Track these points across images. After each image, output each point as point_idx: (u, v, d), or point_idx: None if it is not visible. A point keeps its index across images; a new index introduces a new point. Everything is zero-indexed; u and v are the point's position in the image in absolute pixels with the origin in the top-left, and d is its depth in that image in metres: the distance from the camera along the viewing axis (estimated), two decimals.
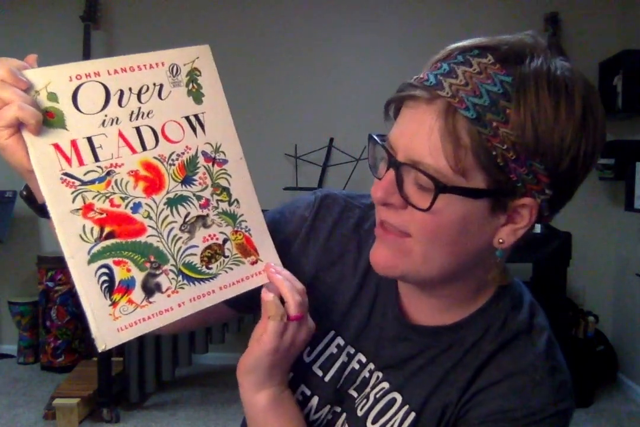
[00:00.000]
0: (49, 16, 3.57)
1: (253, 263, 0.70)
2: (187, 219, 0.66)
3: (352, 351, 0.76)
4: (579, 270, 3.15)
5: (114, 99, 0.63)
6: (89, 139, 0.61)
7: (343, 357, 0.76)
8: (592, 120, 0.59)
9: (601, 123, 0.60)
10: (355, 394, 0.76)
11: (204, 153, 0.67)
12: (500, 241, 0.63)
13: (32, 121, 0.56)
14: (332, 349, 0.77)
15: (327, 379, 0.76)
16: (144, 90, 0.64)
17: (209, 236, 0.67)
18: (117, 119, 0.63)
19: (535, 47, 0.60)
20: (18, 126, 0.57)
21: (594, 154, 0.60)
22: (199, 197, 0.67)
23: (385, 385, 0.74)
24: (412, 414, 0.71)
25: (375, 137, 0.65)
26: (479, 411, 0.67)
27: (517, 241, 0.63)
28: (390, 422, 0.72)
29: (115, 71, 0.63)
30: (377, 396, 0.74)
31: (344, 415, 0.76)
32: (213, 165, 0.68)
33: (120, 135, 0.63)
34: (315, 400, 0.76)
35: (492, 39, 0.60)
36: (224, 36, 3.51)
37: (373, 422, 0.73)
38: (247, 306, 0.76)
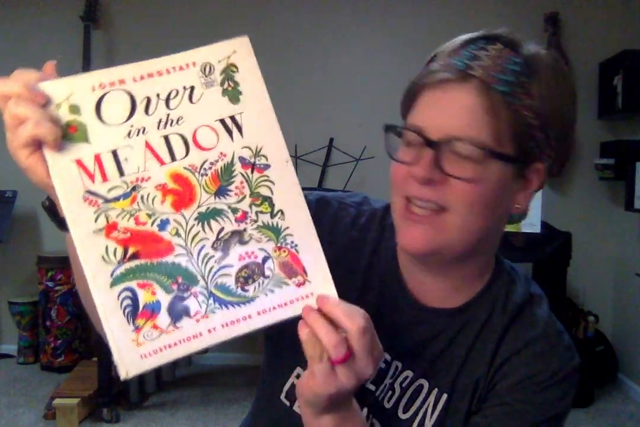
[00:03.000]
0: (49, 16, 3.57)
1: (299, 285, 0.61)
2: (220, 235, 0.59)
3: None
4: (579, 270, 3.16)
5: (140, 107, 0.58)
6: (114, 152, 0.57)
7: None
8: (575, 92, 0.70)
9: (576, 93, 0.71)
10: (372, 388, 0.76)
11: (242, 159, 0.60)
12: (517, 206, 0.69)
13: (50, 138, 0.53)
14: None
15: None
16: (172, 95, 0.59)
17: (247, 253, 0.60)
18: (144, 129, 0.58)
19: (519, 37, 0.69)
20: (38, 144, 0.54)
21: (575, 121, 0.70)
22: (234, 210, 0.60)
23: (409, 373, 0.75)
24: (444, 396, 0.74)
25: (395, 126, 0.70)
26: (507, 382, 0.72)
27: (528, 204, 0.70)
28: (424, 408, 0.74)
29: (142, 77, 0.58)
30: (404, 385, 0.75)
31: (365, 410, 0.76)
32: (252, 172, 0.60)
33: (147, 146, 0.58)
34: None
35: (486, 31, 0.69)
36: (223, 36, 3.50)
37: (405, 411, 0.74)
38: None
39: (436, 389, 0.74)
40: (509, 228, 2.76)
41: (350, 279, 0.77)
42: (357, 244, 0.79)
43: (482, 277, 0.76)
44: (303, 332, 0.59)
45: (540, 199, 2.76)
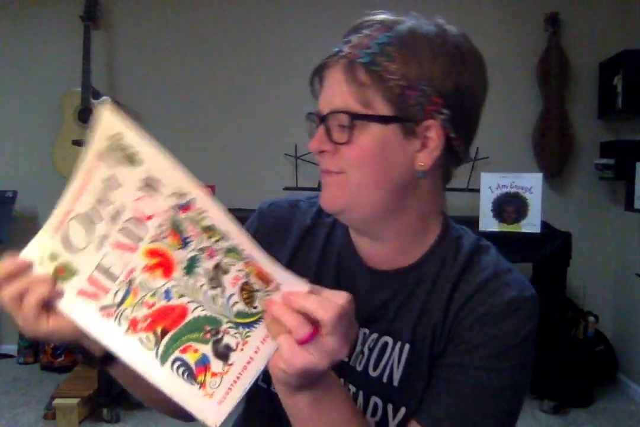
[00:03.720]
0: (49, 16, 3.57)
1: (276, 289, 0.65)
2: (210, 276, 0.65)
3: None
4: (579, 270, 3.15)
5: (94, 220, 0.66)
6: (99, 267, 0.66)
7: None
8: (468, 58, 0.74)
9: (476, 61, 0.75)
10: (345, 359, 0.79)
11: (177, 206, 0.64)
12: (421, 163, 0.73)
13: (56, 290, 0.65)
14: None
15: None
16: (104, 193, 0.66)
17: (234, 278, 0.65)
18: (106, 235, 0.66)
19: (409, 17, 0.76)
20: (47, 303, 0.65)
21: (475, 87, 0.74)
22: (202, 250, 0.65)
23: (374, 336, 0.80)
24: (407, 346, 0.77)
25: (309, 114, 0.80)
26: (466, 322, 0.75)
27: (436, 162, 0.74)
28: (390, 362, 0.78)
29: (77, 198, 0.67)
30: (370, 346, 0.79)
31: (341, 381, 0.78)
32: (190, 211, 0.64)
33: (116, 245, 0.66)
34: None
35: (369, 17, 0.77)
36: (222, 36, 3.51)
37: (374, 369, 0.78)
38: None
39: (399, 343, 0.78)
40: (509, 228, 2.77)
41: (307, 261, 0.85)
42: (311, 230, 0.87)
43: (427, 238, 0.81)
44: (266, 318, 0.64)
45: (540, 199, 2.76)
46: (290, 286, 0.64)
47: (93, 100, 3.36)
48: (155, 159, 0.64)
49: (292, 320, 0.60)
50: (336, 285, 0.81)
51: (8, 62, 3.62)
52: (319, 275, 0.83)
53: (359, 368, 0.79)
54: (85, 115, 3.36)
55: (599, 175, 3.26)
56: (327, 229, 0.87)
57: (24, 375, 3.31)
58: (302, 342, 0.60)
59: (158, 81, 3.54)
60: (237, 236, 0.64)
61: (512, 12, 3.40)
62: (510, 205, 2.77)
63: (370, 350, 0.79)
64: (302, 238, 0.87)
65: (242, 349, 0.65)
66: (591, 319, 3.07)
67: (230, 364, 0.65)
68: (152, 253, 0.66)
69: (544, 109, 3.33)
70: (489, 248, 0.82)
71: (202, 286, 0.65)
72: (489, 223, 2.78)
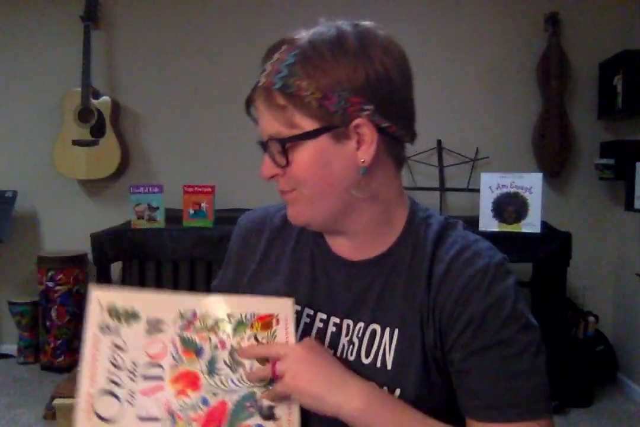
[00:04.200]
0: (49, 16, 3.57)
1: (277, 323, 0.78)
2: (229, 364, 0.76)
3: (311, 312, 0.85)
4: (579, 270, 3.15)
5: (119, 394, 0.74)
6: (139, 418, 0.73)
7: (304, 319, 0.85)
8: (373, 49, 0.75)
9: (383, 49, 0.76)
10: (331, 352, 0.82)
11: (181, 328, 0.76)
12: (362, 160, 0.76)
13: None
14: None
15: None
16: (114, 363, 0.75)
17: (249, 346, 0.77)
18: (132, 391, 0.74)
19: (316, 26, 0.79)
20: None
21: (389, 74, 0.75)
22: (215, 347, 0.76)
23: (361, 324, 0.83)
24: (396, 331, 0.80)
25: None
26: (449, 298, 0.78)
27: (377, 154, 0.76)
28: (382, 348, 0.81)
29: (93, 378, 0.74)
30: (359, 335, 0.82)
31: None
32: (193, 324, 0.76)
33: (145, 393, 0.74)
34: None
35: (280, 40, 0.78)
36: (223, 35, 3.51)
37: (367, 357, 0.81)
38: None
39: (388, 329, 0.81)
40: (509, 228, 2.77)
41: (279, 259, 0.90)
42: (283, 230, 0.92)
43: (395, 224, 0.84)
44: (250, 376, 0.78)
45: (540, 199, 2.76)
46: (283, 311, 0.78)
47: (93, 100, 3.36)
48: (145, 300, 0.76)
49: (257, 349, 0.77)
50: (313, 280, 0.86)
51: (8, 62, 3.62)
52: (294, 271, 0.88)
53: (351, 358, 0.82)
54: (85, 115, 3.36)
55: (599, 176, 3.26)
56: (298, 228, 0.90)
57: (24, 375, 3.31)
58: (273, 366, 0.76)
59: (158, 81, 3.54)
60: (236, 305, 0.77)
61: (512, 12, 3.40)
62: (510, 205, 2.77)
63: (360, 339, 0.82)
64: (272, 239, 0.92)
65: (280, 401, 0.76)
66: (591, 319, 3.07)
67: (279, 418, 0.76)
68: (176, 379, 0.75)
69: (544, 109, 3.33)
70: (457, 224, 0.85)
71: (227, 378, 0.75)
72: (489, 223, 2.78)
